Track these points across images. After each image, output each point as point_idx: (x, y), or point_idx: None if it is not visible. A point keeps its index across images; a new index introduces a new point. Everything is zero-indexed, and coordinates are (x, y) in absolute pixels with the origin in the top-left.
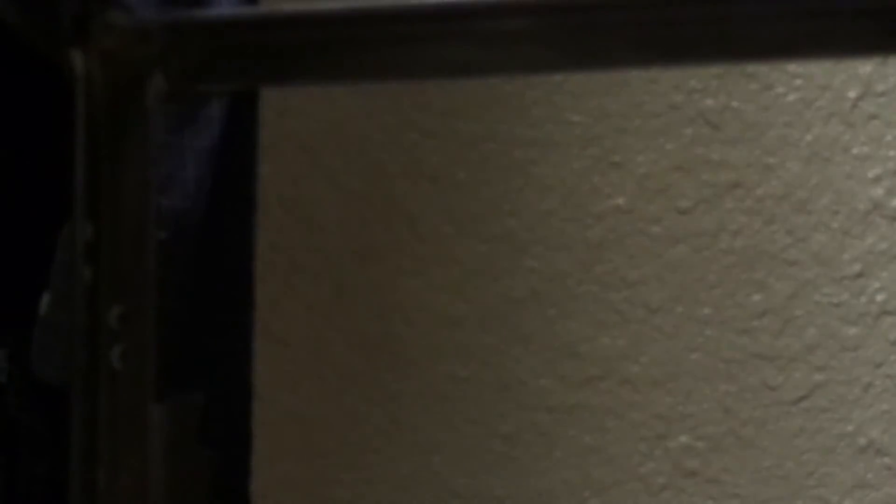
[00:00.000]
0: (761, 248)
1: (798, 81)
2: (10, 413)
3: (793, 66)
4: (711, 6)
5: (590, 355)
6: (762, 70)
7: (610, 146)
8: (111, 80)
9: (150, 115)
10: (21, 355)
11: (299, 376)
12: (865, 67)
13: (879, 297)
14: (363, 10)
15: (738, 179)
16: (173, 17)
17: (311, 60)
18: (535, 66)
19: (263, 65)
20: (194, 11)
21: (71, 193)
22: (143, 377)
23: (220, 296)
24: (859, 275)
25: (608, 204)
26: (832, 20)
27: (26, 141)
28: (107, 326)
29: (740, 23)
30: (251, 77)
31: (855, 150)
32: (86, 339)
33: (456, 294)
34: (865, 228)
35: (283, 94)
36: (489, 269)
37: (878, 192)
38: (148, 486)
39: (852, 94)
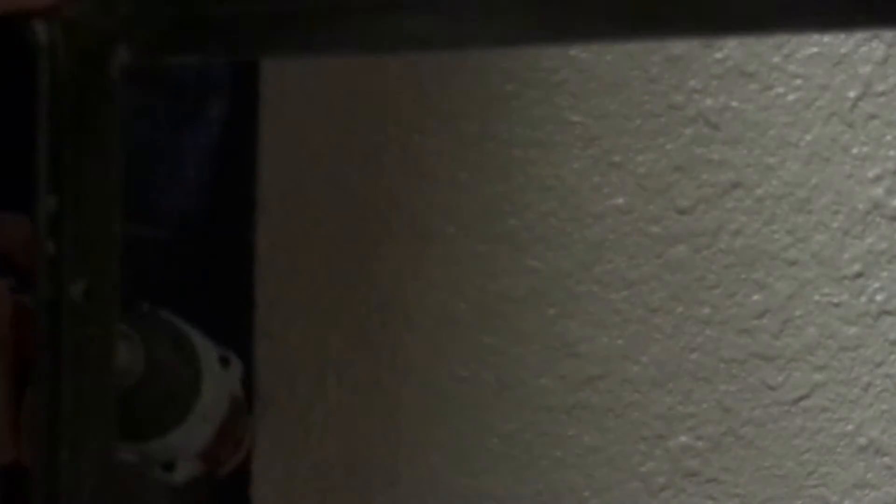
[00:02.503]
0: (761, 248)
1: (798, 81)
2: None
3: (793, 66)
4: None
5: (590, 355)
6: (762, 70)
7: (610, 146)
8: (75, 51)
9: (115, 86)
10: None
11: (299, 376)
12: (865, 67)
13: (879, 297)
14: None
15: (738, 179)
16: None
17: (278, 32)
18: (505, 39)
19: (230, 37)
20: None
21: (33, 166)
22: (107, 354)
23: (220, 296)
24: (859, 275)
25: (608, 204)
26: None
27: None
28: (70, 301)
29: None
30: (218, 49)
31: (855, 150)
32: (49, 314)
33: (456, 294)
34: (865, 228)
35: (283, 93)
36: (489, 269)
37: (878, 192)
38: (111, 467)
39: (852, 94)
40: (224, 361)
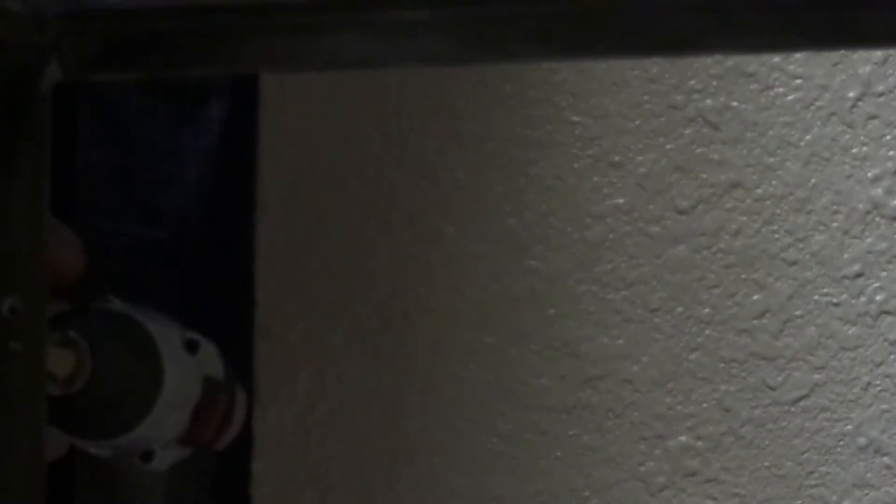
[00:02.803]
0: (761, 248)
1: (798, 81)
2: None
3: (792, 66)
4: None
5: (590, 355)
6: (762, 70)
7: (610, 146)
8: (5, 67)
9: (45, 103)
10: None
11: (299, 376)
12: (865, 67)
13: (879, 297)
14: None
15: (738, 179)
16: (70, 4)
17: (210, 49)
18: (433, 58)
19: (161, 54)
20: None
21: None
22: (37, 370)
23: (220, 296)
24: (859, 275)
25: (608, 204)
26: (729, 16)
27: None
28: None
29: (637, 17)
30: (149, 66)
31: (855, 150)
32: None
33: (456, 294)
34: (865, 228)
35: (283, 93)
36: (489, 269)
37: (878, 192)
38: (39, 482)
39: (852, 94)
40: (191, 346)
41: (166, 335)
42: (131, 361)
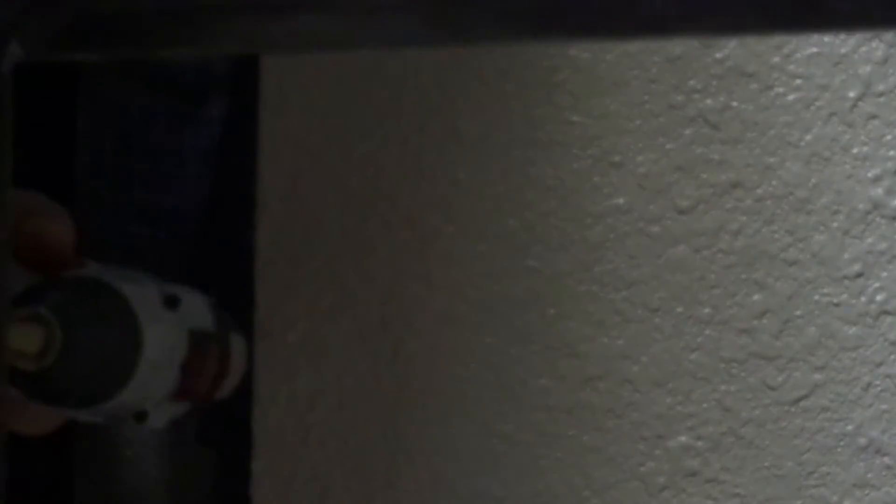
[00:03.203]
0: (761, 248)
1: (798, 81)
2: None
3: (793, 66)
4: None
5: (590, 355)
6: (762, 70)
7: (610, 146)
8: None
9: (6, 82)
10: None
11: (299, 376)
12: (865, 67)
13: (879, 297)
14: None
15: (738, 179)
16: None
17: (175, 30)
18: (401, 39)
19: (128, 34)
20: None
21: None
22: None
23: (220, 295)
24: (859, 275)
25: (608, 204)
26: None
27: None
28: None
29: (603, 1)
30: (115, 47)
31: (855, 150)
32: None
33: (456, 294)
34: (865, 228)
35: (283, 93)
36: (489, 269)
37: (878, 192)
38: (3, 445)
39: (852, 94)
40: (170, 302)
41: (142, 294)
42: (105, 327)
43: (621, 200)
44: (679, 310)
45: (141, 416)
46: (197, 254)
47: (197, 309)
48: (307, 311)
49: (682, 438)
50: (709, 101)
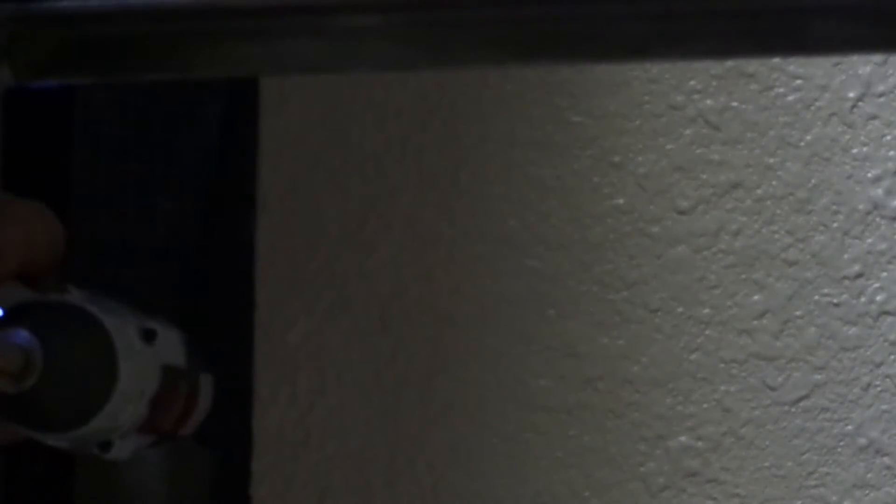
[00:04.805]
0: (761, 248)
1: (798, 82)
2: None
3: (793, 67)
4: (564, 6)
5: (590, 355)
6: (762, 70)
7: (610, 146)
8: None
9: None
10: None
11: (299, 376)
12: (865, 67)
13: (879, 297)
14: (216, 3)
15: (738, 179)
16: (20, 6)
17: (164, 54)
18: (386, 63)
19: (113, 58)
20: (43, 2)
21: None
22: None
23: (220, 296)
24: (859, 275)
25: (608, 204)
26: (679, 23)
27: None
28: None
29: (587, 24)
30: (102, 70)
31: (855, 150)
32: None
33: (456, 294)
34: (865, 228)
35: (283, 93)
36: (489, 269)
37: (878, 192)
38: None
39: (852, 94)
40: (148, 336)
41: (121, 327)
42: (84, 357)
43: (621, 200)
44: (679, 310)
45: (105, 446)
46: (197, 254)
47: (171, 344)
48: (307, 311)
49: (683, 439)
50: (709, 102)
